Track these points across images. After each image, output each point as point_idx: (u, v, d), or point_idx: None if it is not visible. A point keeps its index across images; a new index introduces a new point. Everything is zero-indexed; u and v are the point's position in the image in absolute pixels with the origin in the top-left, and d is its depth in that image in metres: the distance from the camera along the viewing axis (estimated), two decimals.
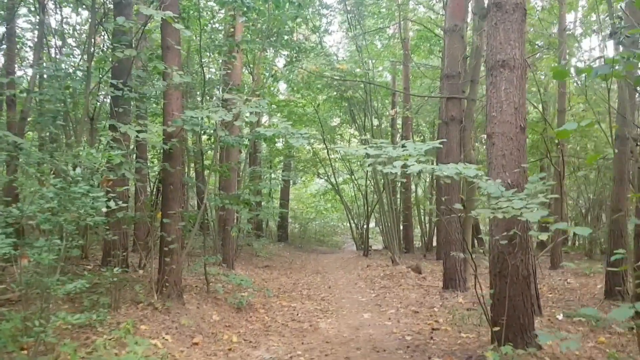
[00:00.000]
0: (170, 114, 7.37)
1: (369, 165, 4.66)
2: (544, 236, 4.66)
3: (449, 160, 9.03)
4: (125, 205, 4.90)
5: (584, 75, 14.46)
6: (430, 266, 14.50)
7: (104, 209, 4.26)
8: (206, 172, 9.32)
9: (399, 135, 20.39)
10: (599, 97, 17.30)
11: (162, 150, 7.64)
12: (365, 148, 4.86)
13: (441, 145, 5.04)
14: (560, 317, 7.35)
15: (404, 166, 4.25)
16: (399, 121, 21.64)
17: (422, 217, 22.36)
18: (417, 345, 5.95)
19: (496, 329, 5.21)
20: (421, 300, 8.98)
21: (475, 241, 17.20)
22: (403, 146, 5.00)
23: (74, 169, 4.16)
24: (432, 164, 6.33)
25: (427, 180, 24.56)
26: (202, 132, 8.16)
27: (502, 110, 5.45)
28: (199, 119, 6.89)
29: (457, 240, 9.59)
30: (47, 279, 4.05)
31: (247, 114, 6.66)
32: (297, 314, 8.35)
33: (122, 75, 8.14)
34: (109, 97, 7.97)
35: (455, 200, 9.29)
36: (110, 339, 5.40)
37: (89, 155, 4.32)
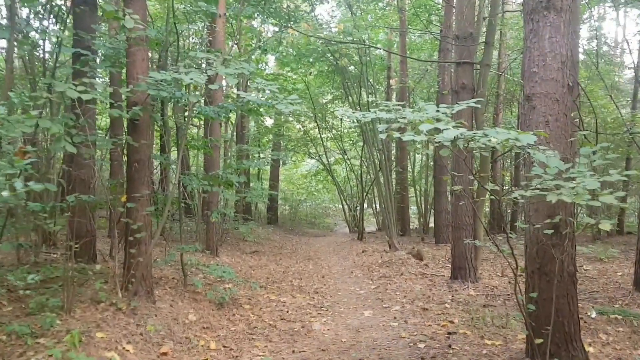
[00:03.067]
0: (135, 77, 6.15)
1: (381, 132, 3.55)
2: (606, 225, 3.55)
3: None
4: (43, 186, 3.69)
5: (595, 44, 13.10)
6: (431, 251, 13.49)
7: (5, 193, 3.08)
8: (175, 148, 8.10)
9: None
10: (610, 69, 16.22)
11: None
12: (375, 112, 3.74)
13: (478, 105, 3.93)
14: (593, 315, 6.31)
15: (434, 131, 3.12)
16: (394, 98, 20.47)
17: (419, 198, 21.31)
18: (434, 357, 4.88)
19: (539, 341, 4.13)
20: (428, 294, 7.92)
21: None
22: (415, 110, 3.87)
23: None
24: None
25: (423, 158, 23.48)
26: (176, 100, 6.96)
27: (545, 64, 4.31)
28: (167, 82, 5.68)
29: (468, 224, 8.53)
30: None
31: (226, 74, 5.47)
32: (287, 311, 7.26)
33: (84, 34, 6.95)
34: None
35: (465, 180, 8.20)
36: (48, 357, 4.27)
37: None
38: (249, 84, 16.73)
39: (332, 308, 7.41)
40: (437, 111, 3.70)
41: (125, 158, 9.87)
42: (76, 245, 5.95)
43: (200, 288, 7.69)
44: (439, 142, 3.14)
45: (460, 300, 7.35)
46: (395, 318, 6.52)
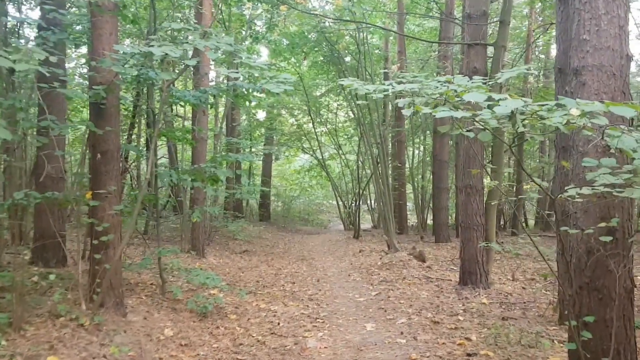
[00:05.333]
0: (100, 52, 5.28)
1: (407, 107, 2.71)
2: None
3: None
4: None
5: None
6: (432, 251, 12.69)
7: None
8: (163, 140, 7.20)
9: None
10: None
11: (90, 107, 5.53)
12: (390, 84, 2.91)
13: (535, 72, 3.10)
14: None
15: (489, 103, 2.27)
16: None
17: (416, 194, 20.50)
18: None
19: None
20: (436, 302, 7.08)
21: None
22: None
23: None
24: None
25: (420, 153, 22.64)
26: (151, 83, 6.07)
27: (599, 30, 3.47)
28: (137, 57, 4.80)
29: (479, 224, 7.72)
30: None
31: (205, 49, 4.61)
32: (278, 323, 6.40)
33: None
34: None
35: (479, 175, 7.38)
36: None
37: None
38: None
39: (328, 319, 6.56)
40: (470, 81, 2.85)
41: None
42: (25, 251, 5.03)
43: (181, 296, 6.84)
44: (483, 120, 2.30)
45: (473, 311, 6.52)
46: (402, 333, 5.68)
